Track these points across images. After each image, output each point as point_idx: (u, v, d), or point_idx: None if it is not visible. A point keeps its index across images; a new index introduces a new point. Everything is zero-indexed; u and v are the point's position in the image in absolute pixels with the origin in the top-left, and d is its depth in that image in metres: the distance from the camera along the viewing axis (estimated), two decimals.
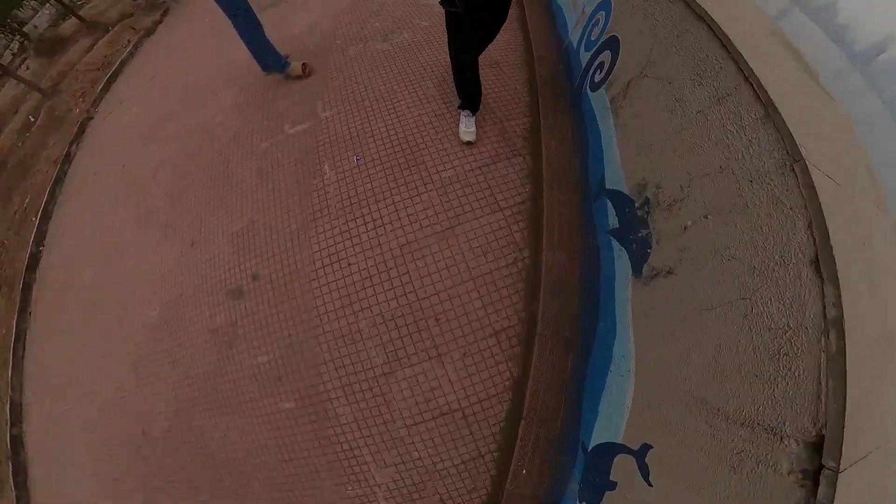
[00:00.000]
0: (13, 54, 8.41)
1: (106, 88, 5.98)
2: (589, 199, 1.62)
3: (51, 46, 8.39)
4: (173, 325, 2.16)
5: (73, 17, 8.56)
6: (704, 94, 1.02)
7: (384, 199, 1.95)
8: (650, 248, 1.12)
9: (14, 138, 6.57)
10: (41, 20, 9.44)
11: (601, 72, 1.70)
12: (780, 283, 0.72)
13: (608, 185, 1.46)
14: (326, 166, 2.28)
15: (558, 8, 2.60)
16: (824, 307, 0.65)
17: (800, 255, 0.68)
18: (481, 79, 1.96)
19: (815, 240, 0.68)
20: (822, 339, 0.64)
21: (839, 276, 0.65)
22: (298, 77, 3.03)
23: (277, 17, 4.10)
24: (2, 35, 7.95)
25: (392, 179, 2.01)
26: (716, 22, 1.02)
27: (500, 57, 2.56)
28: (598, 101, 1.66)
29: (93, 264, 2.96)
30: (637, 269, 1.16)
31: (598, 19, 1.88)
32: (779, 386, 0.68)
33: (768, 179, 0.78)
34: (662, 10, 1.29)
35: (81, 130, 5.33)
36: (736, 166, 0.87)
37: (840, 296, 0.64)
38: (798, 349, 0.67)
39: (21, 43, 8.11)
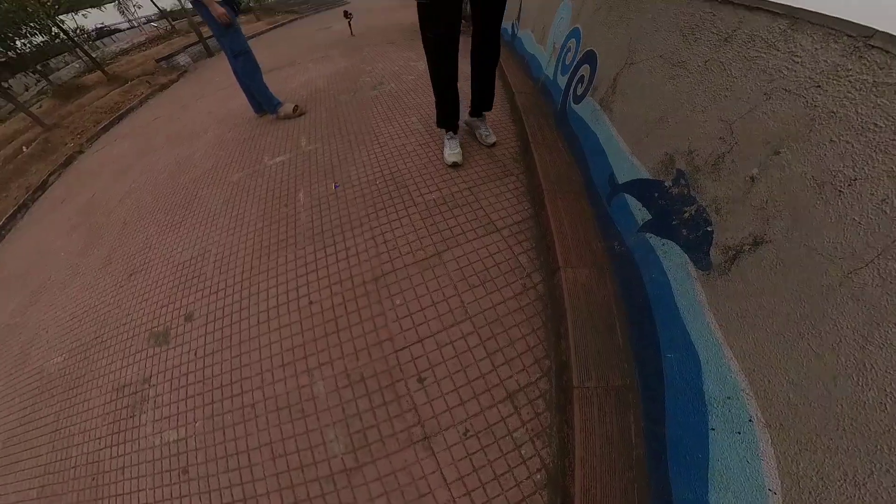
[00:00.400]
0: (32, 94, 8.90)
1: (106, 129, 6.06)
2: (601, 203, 1.28)
3: (68, 92, 8.91)
4: (72, 378, 1.56)
5: (99, 71, 9.36)
6: (705, 44, 0.87)
7: (361, 226, 1.57)
8: (710, 224, 0.80)
9: None
10: (69, 72, 10.20)
11: (582, 84, 1.51)
12: None
13: (621, 181, 1.17)
14: (301, 194, 1.89)
15: (531, 56, 2.48)
16: None
17: None
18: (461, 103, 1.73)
19: None
20: None
21: None
22: (288, 117, 2.85)
23: (278, 77, 4.14)
24: (28, 77, 8.46)
25: (371, 205, 1.66)
26: None
27: None
28: (586, 109, 1.46)
29: (19, 295, 2.41)
30: (701, 260, 0.80)
31: (570, 46, 1.72)
32: None
33: (844, 70, 0.58)
34: (634, 7, 1.19)
35: (67, 162, 5.17)
36: (788, 82, 0.67)
37: None
38: None
39: (43, 86, 8.64)
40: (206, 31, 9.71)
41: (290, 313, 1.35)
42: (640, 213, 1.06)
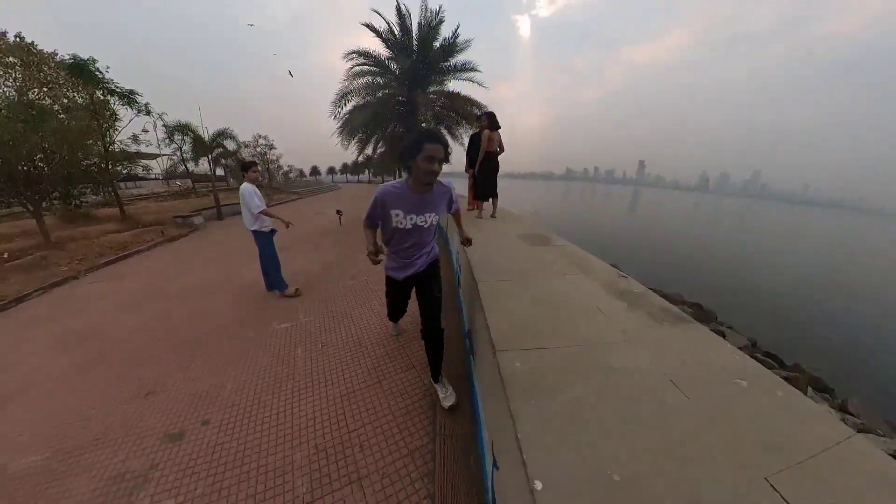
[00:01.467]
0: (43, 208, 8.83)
1: (109, 263, 6.75)
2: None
3: (74, 217, 9.72)
4: (56, 473, 1.91)
5: (116, 208, 10.47)
6: None
7: (336, 368, 2.69)
8: None
9: None
10: (86, 199, 11.09)
11: None
12: None
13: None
14: (300, 350, 3.03)
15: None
16: None
17: None
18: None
19: None
20: None
21: None
22: (290, 296, 4.14)
23: (284, 258, 5.48)
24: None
25: (340, 360, 2.82)
26: None
27: None
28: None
29: None
30: None
31: None
32: None
33: None
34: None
35: (56, 284, 5.17)
36: None
37: None
38: None
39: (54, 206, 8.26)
40: (221, 196, 12.40)
41: (286, 415, 2.25)
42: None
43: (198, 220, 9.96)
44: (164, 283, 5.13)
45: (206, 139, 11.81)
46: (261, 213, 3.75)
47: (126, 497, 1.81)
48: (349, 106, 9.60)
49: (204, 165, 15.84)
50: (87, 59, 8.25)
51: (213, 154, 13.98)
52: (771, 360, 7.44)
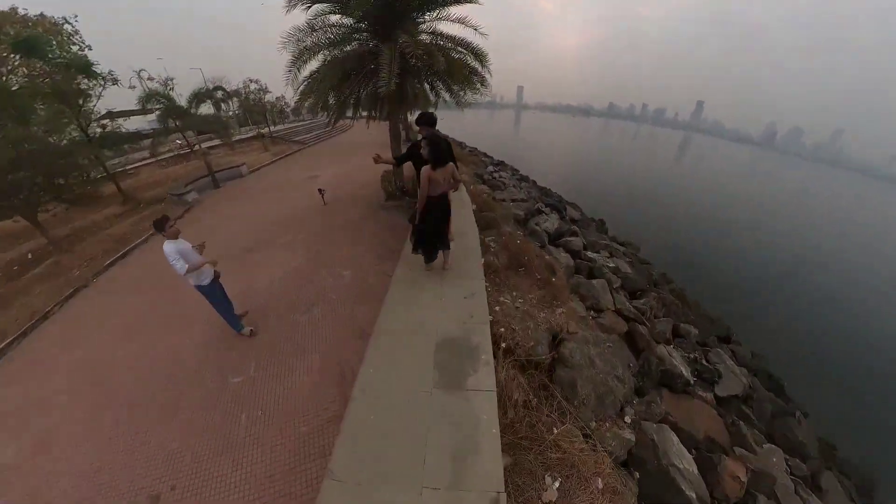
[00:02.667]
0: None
1: (112, 264, 7.52)
2: None
3: (87, 201, 10.19)
4: None
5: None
6: None
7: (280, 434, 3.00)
8: None
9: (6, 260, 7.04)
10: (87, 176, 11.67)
11: None
12: None
13: None
14: (244, 416, 3.28)
15: None
16: None
17: None
18: None
19: None
20: None
21: None
22: (248, 336, 4.21)
23: (246, 263, 6.00)
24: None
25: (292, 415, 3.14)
26: None
27: None
28: None
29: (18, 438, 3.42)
30: None
31: None
32: None
33: None
34: None
35: (71, 295, 6.05)
36: None
37: None
38: None
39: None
40: (214, 163, 12.39)
41: (235, 474, 2.81)
42: None
43: (191, 196, 10.26)
44: (143, 314, 5.29)
45: (188, 97, 11.13)
46: (187, 272, 3.55)
47: None
48: (311, 69, 6.80)
49: (206, 109, 15.13)
50: (39, 33, 7.57)
51: (203, 104, 13.34)
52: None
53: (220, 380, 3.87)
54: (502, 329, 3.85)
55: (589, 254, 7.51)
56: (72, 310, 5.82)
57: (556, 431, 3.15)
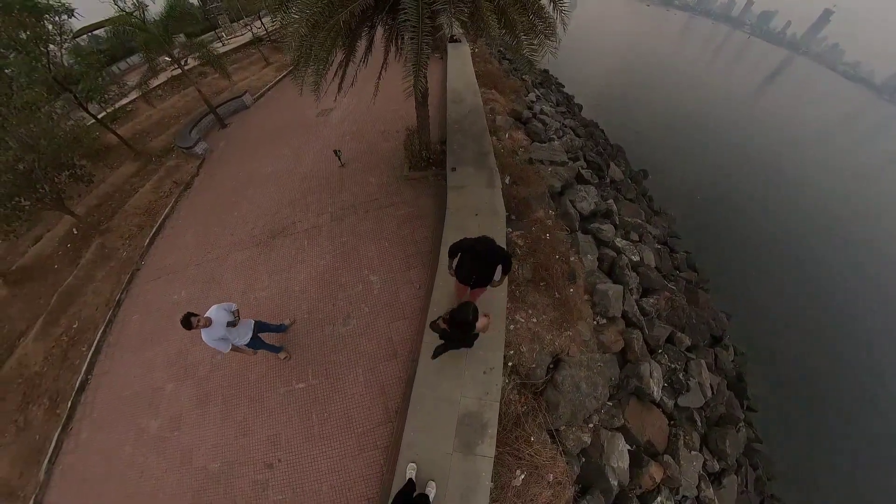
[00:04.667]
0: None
1: (151, 242, 7.92)
2: None
3: (95, 154, 9.56)
4: (224, 483, 4.29)
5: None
6: None
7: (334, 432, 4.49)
8: None
9: (55, 245, 7.60)
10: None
11: None
12: None
13: None
14: (314, 415, 4.56)
15: None
16: None
17: None
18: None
19: None
20: None
21: None
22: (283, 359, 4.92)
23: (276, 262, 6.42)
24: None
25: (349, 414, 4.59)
26: None
27: None
28: None
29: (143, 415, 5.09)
30: None
31: None
32: None
33: None
34: None
35: (130, 280, 6.72)
36: None
37: None
38: None
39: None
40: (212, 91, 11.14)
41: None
42: None
43: (201, 147, 9.73)
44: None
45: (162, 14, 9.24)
46: (232, 349, 3.97)
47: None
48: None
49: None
50: None
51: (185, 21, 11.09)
52: None
53: (287, 385, 5.04)
54: (512, 351, 4.61)
55: (618, 241, 7.32)
56: (138, 297, 6.54)
57: (532, 440, 4.47)
